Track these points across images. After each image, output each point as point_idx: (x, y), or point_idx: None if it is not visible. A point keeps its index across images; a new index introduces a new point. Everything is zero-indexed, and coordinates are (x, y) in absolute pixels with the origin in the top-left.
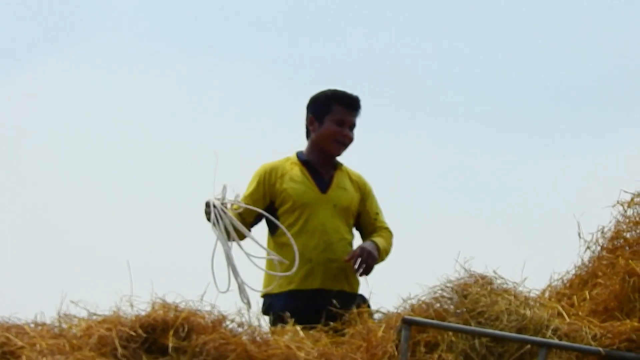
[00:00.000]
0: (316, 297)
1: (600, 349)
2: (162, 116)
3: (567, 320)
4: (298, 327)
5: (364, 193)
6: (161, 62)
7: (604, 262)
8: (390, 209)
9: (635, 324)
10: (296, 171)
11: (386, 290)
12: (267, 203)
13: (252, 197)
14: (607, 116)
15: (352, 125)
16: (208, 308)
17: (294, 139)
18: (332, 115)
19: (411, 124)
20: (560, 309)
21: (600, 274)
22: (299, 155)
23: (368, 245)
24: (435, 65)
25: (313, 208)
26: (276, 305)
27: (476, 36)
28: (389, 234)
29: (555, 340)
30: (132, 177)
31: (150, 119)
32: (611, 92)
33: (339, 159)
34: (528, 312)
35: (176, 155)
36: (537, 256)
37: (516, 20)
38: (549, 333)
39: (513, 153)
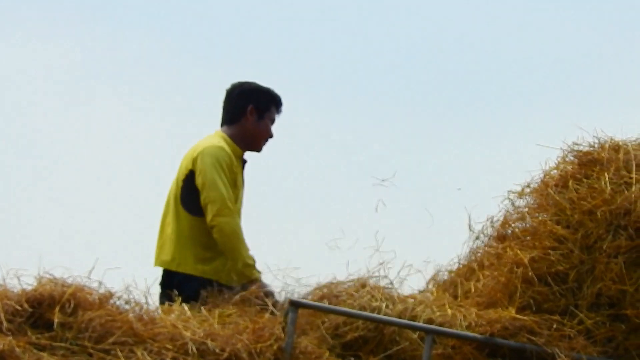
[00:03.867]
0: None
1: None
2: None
3: (437, 312)
4: (185, 307)
5: None
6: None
7: (492, 252)
8: (284, 192)
9: (511, 312)
10: (240, 173)
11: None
12: None
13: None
14: (499, 107)
15: None
16: (96, 284)
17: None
18: (270, 115)
19: (308, 109)
20: (428, 300)
21: (487, 263)
22: (236, 144)
23: None
24: (321, 42)
25: None
26: (186, 286)
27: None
28: None
29: (439, 327)
30: (27, 142)
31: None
32: (503, 83)
33: None
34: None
35: (64, 121)
36: (426, 246)
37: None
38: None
39: (404, 141)
